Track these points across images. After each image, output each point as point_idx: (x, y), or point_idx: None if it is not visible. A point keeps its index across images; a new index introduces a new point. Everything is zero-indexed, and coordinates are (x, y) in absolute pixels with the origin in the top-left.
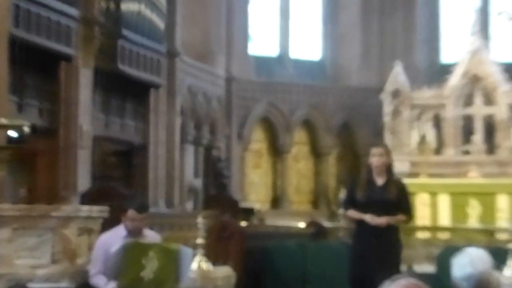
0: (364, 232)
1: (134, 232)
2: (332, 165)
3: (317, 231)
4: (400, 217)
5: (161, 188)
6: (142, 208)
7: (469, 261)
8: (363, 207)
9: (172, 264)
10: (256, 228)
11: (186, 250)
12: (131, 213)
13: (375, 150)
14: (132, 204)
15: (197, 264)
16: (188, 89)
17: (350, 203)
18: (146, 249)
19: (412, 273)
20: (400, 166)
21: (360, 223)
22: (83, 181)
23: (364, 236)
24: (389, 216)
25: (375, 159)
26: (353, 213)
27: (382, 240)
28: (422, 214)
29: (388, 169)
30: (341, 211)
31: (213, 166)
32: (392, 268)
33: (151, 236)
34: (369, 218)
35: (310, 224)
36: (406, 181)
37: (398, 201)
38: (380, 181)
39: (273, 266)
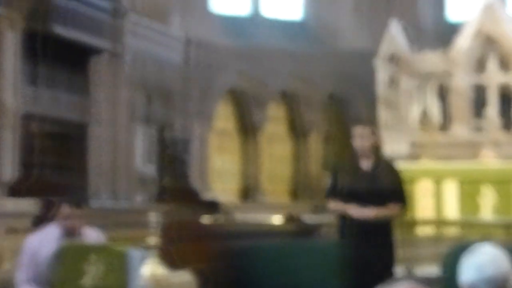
0: (349, 228)
1: (70, 232)
2: (316, 147)
3: (297, 228)
4: (393, 207)
5: (104, 178)
6: (79, 202)
7: (488, 260)
8: (348, 198)
9: (118, 269)
10: (222, 225)
11: (136, 253)
12: (65, 208)
13: (359, 130)
14: (67, 198)
15: (150, 269)
16: (138, 55)
17: (333, 193)
18: (86, 252)
19: (412, 277)
20: (398, 147)
21: (344, 217)
22: (8, 170)
23: (348, 233)
24: (378, 208)
25: (359, 140)
26: (334, 205)
27: (370, 237)
28: (424, 205)
29: (375, 151)
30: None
31: (168, 149)
32: (384, 273)
33: (92, 236)
34: (354, 211)
35: (289, 219)
36: (405, 165)
37: (389, 189)
38: (366, 166)
39: (242, 272)
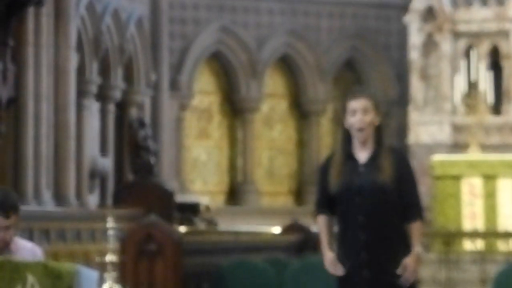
0: (349, 245)
1: None
2: (326, 132)
3: (301, 241)
4: (415, 233)
5: (45, 173)
6: (8, 208)
7: None
8: (341, 202)
9: None
10: (202, 236)
11: (88, 273)
12: None
13: (356, 103)
14: None
15: None
16: (89, 8)
17: (324, 199)
18: (21, 271)
19: None
20: (436, 132)
21: (343, 231)
22: None
23: (349, 252)
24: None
25: (356, 117)
26: (320, 225)
27: (378, 260)
28: (471, 211)
29: (376, 133)
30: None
31: (130, 135)
32: None
33: (26, 250)
34: (331, 265)
35: (291, 228)
36: (447, 157)
37: (395, 187)
38: (364, 155)
39: None
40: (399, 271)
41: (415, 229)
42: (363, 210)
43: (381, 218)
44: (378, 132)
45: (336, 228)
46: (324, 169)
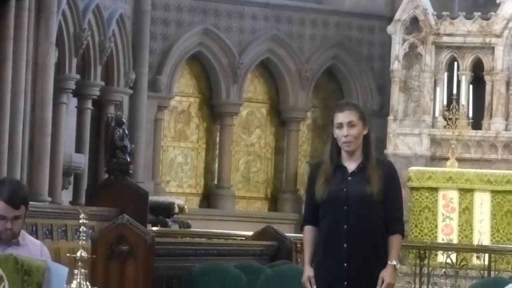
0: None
1: (4, 237)
2: (305, 139)
3: (276, 247)
4: (394, 246)
5: (19, 168)
6: (17, 199)
7: None
8: (327, 210)
9: None
10: (175, 238)
11: (58, 269)
12: (0, 206)
13: (342, 116)
14: (1, 193)
15: None
16: (71, 4)
17: (311, 209)
18: None
19: None
20: (415, 144)
21: (326, 240)
22: None
23: (330, 261)
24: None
25: (343, 130)
26: (305, 237)
27: (359, 270)
28: (446, 224)
29: (364, 144)
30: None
31: (107, 133)
32: None
33: (34, 246)
34: (307, 283)
35: (265, 234)
36: (424, 169)
37: (382, 197)
38: (352, 165)
39: None
40: (377, 283)
41: (395, 242)
42: (349, 220)
43: (366, 229)
44: (366, 142)
45: (317, 239)
46: (312, 179)
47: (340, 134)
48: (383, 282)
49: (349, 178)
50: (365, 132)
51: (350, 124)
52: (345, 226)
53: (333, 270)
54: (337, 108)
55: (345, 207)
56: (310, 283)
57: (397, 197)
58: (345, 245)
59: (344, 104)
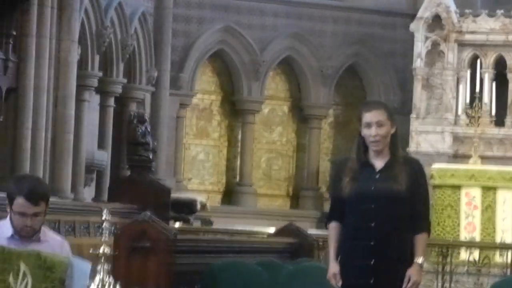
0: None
1: (24, 233)
2: (327, 136)
3: (297, 245)
4: (420, 244)
5: (42, 165)
6: (37, 195)
7: None
8: (354, 207)
9: (55, 287)
10: (196, 234)
11: (81, 264)
12: (20, 202)
13: (370, 116)
14: (21, 189)
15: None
16: (93, 1)
17: (336, 206)
18: (14, 261)
19: None
20: (437, 141)
21: (352, 238)
22: None
23: (356, 259)
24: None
25: (371, 130)
26: (330, 233)
27: (385, 268)
28: (468, 222)
29: (392, 142)
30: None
31: (129, 130)
32: None
33: (56, 241)
34: (333, 278)
35: (287, 231)
36: (446, 166)
37: (410, 195)
38: (379, 163)
39: None
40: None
41: (421, 240)
42: (376, 217)
43: (393, 227)
44: (393, 140)
45: (343, 236)
46: (338, 176)
47: (368, 133)
48: (409, 280)
49: (376, 176)
50: (393, 131)
51: (379, 124)
52: (372, 224)
53: (360, 267)
54: (365, 107)
55: (372, 205)
56: (336, 280)
57: (424, 195)
58: (372, 242)
59: (372, 103)
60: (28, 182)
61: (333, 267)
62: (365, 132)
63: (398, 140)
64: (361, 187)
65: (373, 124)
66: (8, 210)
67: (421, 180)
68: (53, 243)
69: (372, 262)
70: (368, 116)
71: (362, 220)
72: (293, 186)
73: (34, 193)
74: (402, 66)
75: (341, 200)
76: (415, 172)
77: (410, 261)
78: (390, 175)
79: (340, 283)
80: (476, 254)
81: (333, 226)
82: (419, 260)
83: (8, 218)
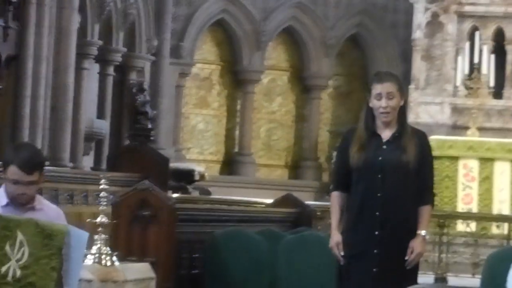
0: (363, 222)
1: (18, 202)
2: (327, 106)
3: (296, 214)
4: (424, 216)
5: (41, 133)
6: (31, 164)
7: None
8: (361, 177)
9: (54, 254)
10: (196, 204)
11: (78, 233)
12: (13, 171)
13: (381, 87)
14: (16, 157)
15: (96, 257)
16: None
17: (341, 175)
18: (12, 228)
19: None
20: (436, 112)
21: (359, 208)
22: None
23: (362, 229)
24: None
25: (381, 102)
26: (333, 202)
27: (390, 238)
28: (466, 193)
29: (400, 114)
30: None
31: (129, 99)
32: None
33: (51, 210)
34: (336, 247)
35: (286, 201)
36: (444, 138)
37: (417, 167)
38: (387, 133)
39: (221, 266)
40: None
41: (425, 212)
42: (383, 188)
43: (399, 198)
44: (402, 112)
45: (348, 205)
46: (345, 145)
47: (378, 104)
48: (412, 251)
49: (384, 146)
50: (402, 103)
51: (389, 96)
52: (379, 194)
53: (365, 237)
54: (376, 78)
55: (380, 175)
56: (338, 249)
57: (430, 167)
58: (377, 213)
59: (384, 75)
60: (24, 151)
61: (336, 236)
62: (375, 103)
63: (406, 113)
64: (369, 157)
65: (384, 95)
66: (3, 177)
67: (427, 152)
68: (48, 211)
69: (377, 232)
70: (379, 88)
71: (369, 190)
72: (292, 156)
73: (28, 162)
74: (405, 37)
75: (346, 169)
76: (422, 144)
77: (414, 233)
78: (398, 146)
79: (342, 252)
80: (473, 225)
81: (336, 194)
82: (422, 232)
83: (3, 186)
